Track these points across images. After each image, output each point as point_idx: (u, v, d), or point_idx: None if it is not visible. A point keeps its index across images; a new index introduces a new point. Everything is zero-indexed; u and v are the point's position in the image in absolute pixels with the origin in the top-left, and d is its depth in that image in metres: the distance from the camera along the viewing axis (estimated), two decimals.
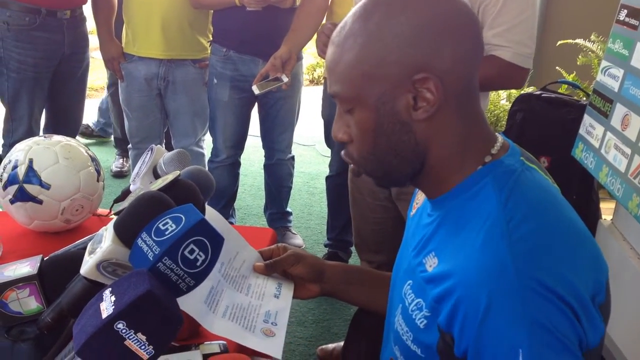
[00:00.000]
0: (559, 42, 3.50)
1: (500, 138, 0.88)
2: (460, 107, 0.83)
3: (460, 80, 0.81)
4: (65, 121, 2.91)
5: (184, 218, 0.75)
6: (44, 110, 2.95)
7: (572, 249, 0.78)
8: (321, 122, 2.91)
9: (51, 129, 2.91)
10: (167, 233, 0.74)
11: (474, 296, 0.74)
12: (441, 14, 0.80)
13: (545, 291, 0.72)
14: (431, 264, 0.83)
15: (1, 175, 1.39)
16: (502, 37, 1.65)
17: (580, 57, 3.34)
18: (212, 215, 1.08)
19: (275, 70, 2.30)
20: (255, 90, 2.29)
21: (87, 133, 4.31)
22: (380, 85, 0.81)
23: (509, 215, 0.77)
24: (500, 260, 0.74)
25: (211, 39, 2.73)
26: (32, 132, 2.69)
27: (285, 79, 2.30)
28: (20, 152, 1.40)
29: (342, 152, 0.91)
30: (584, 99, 2.55)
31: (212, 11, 2.68)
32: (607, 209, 2.61)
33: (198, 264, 0.74)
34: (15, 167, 1.37)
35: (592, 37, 3.31)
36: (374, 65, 0.80)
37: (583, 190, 2.42)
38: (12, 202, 1.38)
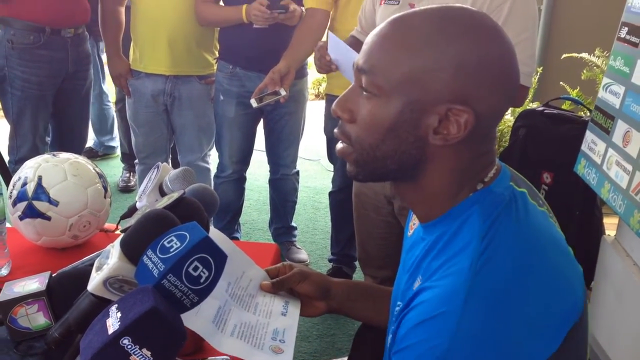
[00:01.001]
0: (564, 56, 3.52)
1: (496, 163, 0.89)
2: (476, 146, 0.83)
3: (488, 125, 0.82)
4: (70, 138, 2.95)
5: (188, 236, 0.77)
6: (51, 128, 2.99)
7: (531, 296, 0.77)
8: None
9: (57, 146, 2.95)
10: (171, 250, 0.76)
11: (422, 309, 0.78)
12: (499, 57, 0.80)
13: (475, 340, 0.74)
14: (415, 287, 0.85)
15: (11, 192, 1.42)
16: None
17: (584, 71, 3.35)
18: (217, 236, 1.10)
19: (273, 84, 2.33)
20: (253, 103, 2.33)
21: (92, 155, 4.26)
22: (417, 94, 0.79)
23: (482, 248, 0.78)
24: (457, 289, 0.76)
25: (217, 55, 2.77)
26: (36, 149, 2.73)
27: (283, 93, 2.33)
28: (29, 169, 1.42)
29: (337, 129, 0.87)
30: (587, 115, 2.56)
31: (219, 28, 2.72)
32: (610, 225, 2.61)
33: (202, 280, 0.76)
34: (24, 184, 1.40)
35: (597, 52, 3.33)
36: (427, 71, 0.78)
37: (586, 206, 2.43)
38: (21, 218, 1.41)
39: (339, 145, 0.88)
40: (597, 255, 2.19)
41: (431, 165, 0.83)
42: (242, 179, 2.95)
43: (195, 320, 0.92)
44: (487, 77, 0.79)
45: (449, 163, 0.83)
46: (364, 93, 0.83)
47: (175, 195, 0.91)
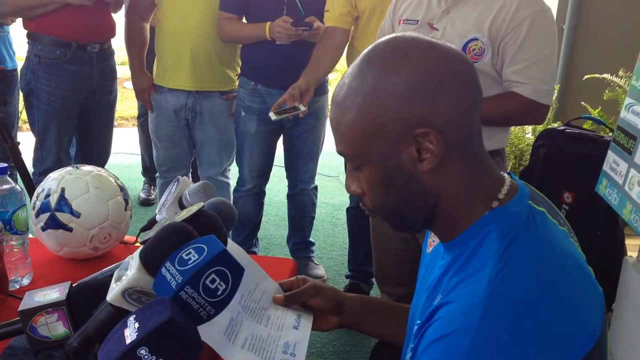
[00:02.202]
0: (586, 77, 3.50)
1: (507, 179, 0.89)
2: (464, 154, 0.84)
3: (461, 130, 0.83)
4: (94, 152, 2.99)
5: (206, 248, 0.78)
6: (76, 141, 3.04)
7: (547, 317, 0.77)
8: None
9: (80, 159, 2.99)
10: (189, 263, 0.77)
11: (439, 325, 0.79)
12: (435, 69, 0.81)
13: (490, 358, 0.74)
14: (435, 303, 0.85)
15: (34, 203, 1.45)
16: (522, 74, 1.69)
17: (607, 92, 3.33)
18: (233, 247, 1.11)
19: (292, 100, 2.35)
20: (272, 116, 2.35)
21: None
22: (382, 143, 0.83)
23: (500, 267, 0.78)
24: (473, 306, 0.76)
25: (239, 71, 2.80)
26: (60, 162, 2.77)
27: (302, 108, 2.35)
28: (53, 181, 1.45)
29: (361, 204, 0.94)
30: (609, 134, 2.54)
31: (241, 45, 2.76)
32: (633, 246, 2.57)
33: (219, 293, 0.77)
34: (47, 195, 1.42)
35: (620, 73, 3.31)
36: (374, 124, 0.82)
37: (608, 226, 2.40)
38: (43, 229, 1.43)
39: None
40: (618, 277, 2.16)
41: (439, 191, 0.85)
42: (262, 194, 2.97)
43: (207, 331, 0.93)
44: (424, 94, 0.80)
45: (451, 182, 0.85)
46: (355, 169, 0.89)
47: (194, 209, 0.92)
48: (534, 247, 0.81)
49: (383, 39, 0.86)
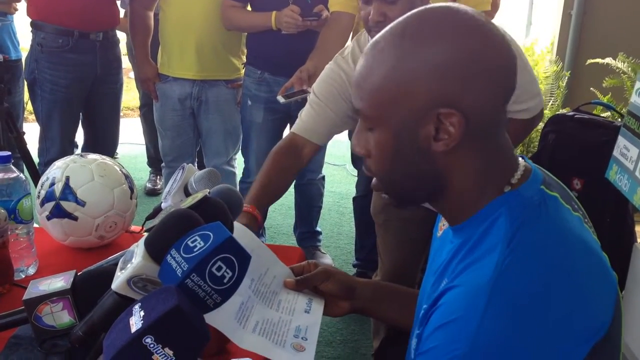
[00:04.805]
0: (588, 62, 3.47)
1: (522, 164, 0.86)
2: (483, 142, 0.81)
3: (485, 118, 0.80)
4: (102, 141, 2.98)
5: (212, 236, 0.76)
6: (83, 131, 3.03)
7: (554, 304, 0.75)
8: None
9: (89, 149, 2.99)
10: (195, 250, 0.75)
11: (444, 310, 0.78)
12: (478, 52, 0.78)
13: (495, 344, 0.72)
14: (441, 287, 0.84)
15: (39, 192, 1.44)
16: (517, 103, 1.70)
17: (607, 79, 3.30)
18: (242, 232, 1.10)
19: (300, 83, 2.32)
20: (280, 99, 2.31)
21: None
22: (403, 111, 0.80)
23: (508, 252, 0.76)
24: (479, 291, 0.75)
25: (244, 60, 2.78)
26: (65, 152, 2.77)
27: (311, 91, 2.32)
28: (57, 169, 1.44)
29: (363, 165, 0.91)
30: (618, 120, 2.51)
31: (246, 34, 2.73)
32: None
33: (225, 280, 0.75)
34: (52, 184, 1.41)
35: (620, 57, 3.27)
36: (402, 90, 0.79)
37: (617, 213, 2.37)
38: (48, 218, 1.42)
39: (373, 180, 0.92)
40: (628, 263, 2.14)
41: (449, 174, 0.83)
42: None
43: (217, 316, 0.92)
44: (459, 74, 0.77)
45: (464, 166, 0.82)
46: (367, 130, 0.86)
47: (199, 196, 0.91)
48: (544, 232, 0.79)
49: (436, 5, 0.82)
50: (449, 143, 0.79)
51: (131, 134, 4.77)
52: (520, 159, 0.88)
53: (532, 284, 0.75)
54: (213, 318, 0.89)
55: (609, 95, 3.37)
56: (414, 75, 0.78)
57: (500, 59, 0.80)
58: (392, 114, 0.81)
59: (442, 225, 1.01)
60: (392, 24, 0.83)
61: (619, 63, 3.23)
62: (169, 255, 0.77)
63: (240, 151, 2.94)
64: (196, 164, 3.12)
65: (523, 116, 1.73)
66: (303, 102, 2.51)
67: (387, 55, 0.80)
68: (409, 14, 0.82)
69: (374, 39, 0.84)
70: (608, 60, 3.27)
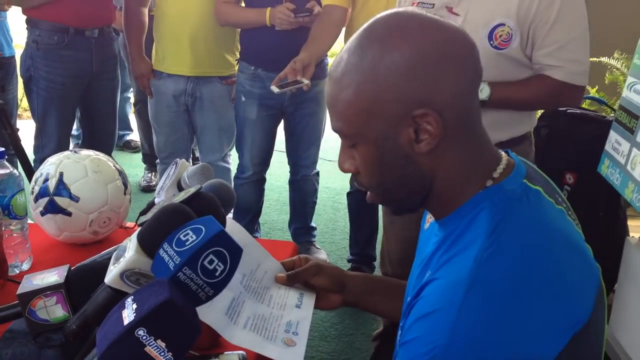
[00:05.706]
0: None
1: (504, 158, 0.88)
2: (463, 135, 0.83)
3: (460, 111, 0.81)
4: (100, 138, 2.98)
5: (204, 229, 0.77)
6: (82, 128, 3.03)
7: (532, 295, 0.76)
8: None
9: (87, 146, 2.99)
10: (187, 244, 0.76)
11: (424, 302, 0.79)
12: (436, 48, 0.79)
13: (474, 334, 0.73)
14: (424, 280, 0.85)
15: (33, 188, 1.44)
16: (554, 56, 1.62)
17: (607, 75, 3.31)
18: (233, 227, 1.11)
19: (294, 73, 2.32)
20: (274, 89, 2.30)
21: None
22: (379, 122, 0.81)
23: (488, 244, 0.77)
24: (459, 282, 0.76)
25: (238, 56, 2.78)
26: (61, 148, 2.75)
27: (305, 81, 2.32)
28: (51, 165, 1.44)
29: (355, 182, 0.92)
30: (610, 115, 2.52)
31: (240, 30, 2.74)
32: (635, 227, 2.57)
33: (217, 274, 0.76)
34: (46, 180, 1.42)
35: (616, 55, 3.28)
36: (372, 103, 0.80)
37: (610, 207, 2.39)
38: (42, 214, 1.43)
39: (367, 194, 0.93)
40: (620, 257, 2.15)
41: (434, 174, 0.84)
42: (262, 180, 2.96)
43: (208, 312, 0.92)
44: (424, 74, 0.78)
45: (448, 163, 0.83)
46: (350, 147, 0.87)
47: (192, 190, 0.92)
48: (524, 225, 0.80)
49: (383, 13, 0.84)
50: (431, 141, 0.81)
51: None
52: (503, 153, 0.89)
53: (511, 275, 0.76)
54: (204, 314, 0.90)
55: (602, 93, 3.38)
56: (380, 86, 0.79)
57: (459, 48, 0.81)
58: (370, 128, 0.82)
59: (430, 217, 1.02)
60: (347, 44, 0.84)
61: (612, 61, 3.24)
62: (161, 249, 0.78)
63: (234, 147, 2.94)
64: (191, 160, 3.13)
65: (553, 73, 1.62)
66: (297, 105, 2.52)
67: (352, 73, 0.81)
68: (359, 30, 0.84)
69: (335, 59, 0.85)
70: (603, 58, 3.28)
